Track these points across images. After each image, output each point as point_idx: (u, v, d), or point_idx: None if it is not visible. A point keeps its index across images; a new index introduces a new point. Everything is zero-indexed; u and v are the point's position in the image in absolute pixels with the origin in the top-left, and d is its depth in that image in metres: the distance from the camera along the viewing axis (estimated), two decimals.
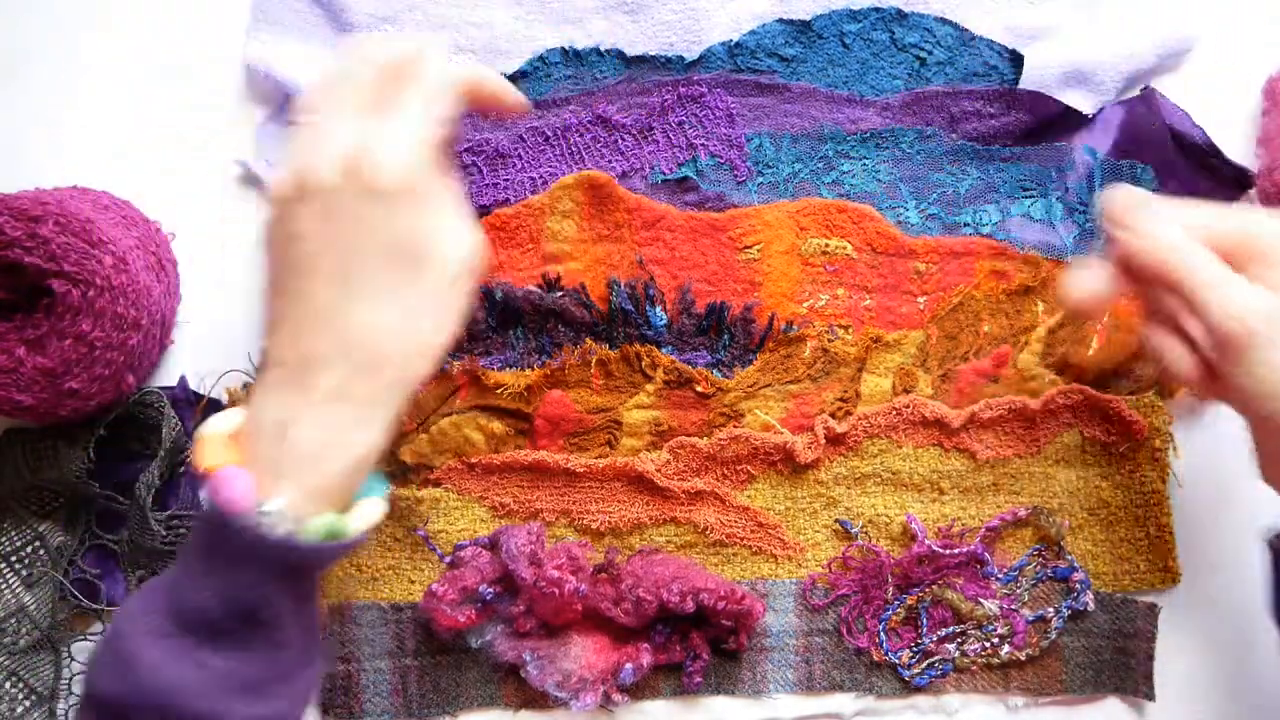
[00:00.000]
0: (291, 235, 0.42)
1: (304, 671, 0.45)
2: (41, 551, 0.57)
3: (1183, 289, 0.43)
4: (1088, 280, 0.46)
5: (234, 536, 0.41)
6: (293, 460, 0.42)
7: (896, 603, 0.56)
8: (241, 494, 0.41)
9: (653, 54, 0.59)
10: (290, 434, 0.42)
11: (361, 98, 0.42)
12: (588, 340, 0.56)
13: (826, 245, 0.57)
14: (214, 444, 0.43)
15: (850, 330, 0.57)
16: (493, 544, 0.55)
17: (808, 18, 0.59)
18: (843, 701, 0.56)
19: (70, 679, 0.57)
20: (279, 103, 0.60)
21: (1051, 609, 0.55)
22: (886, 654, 0.56)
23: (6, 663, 0.56)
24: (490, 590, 0.53)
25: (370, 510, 0.44)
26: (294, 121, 0.44)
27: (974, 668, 0.55)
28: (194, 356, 0.58)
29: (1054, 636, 0.55)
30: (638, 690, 0.55)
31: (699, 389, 0.57)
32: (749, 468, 0.57)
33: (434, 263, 0.42)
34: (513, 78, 0.59)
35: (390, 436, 0.43)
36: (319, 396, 0.42)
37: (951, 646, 0.55)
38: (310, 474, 0.42)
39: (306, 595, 0.44)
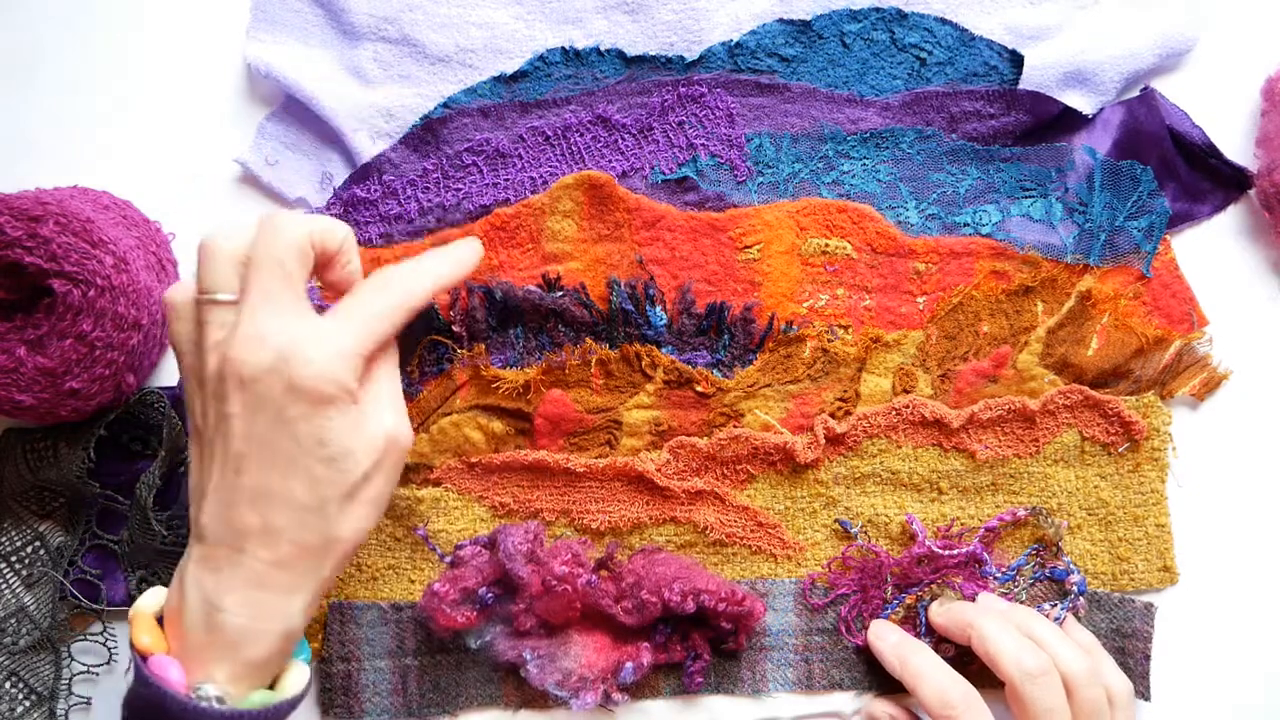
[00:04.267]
0: (221, 414, 0.44)
1: None
2: (41, 551, 0.57)
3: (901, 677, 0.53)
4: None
5: (174, 716, 0.42)
6: (222, 644, 0.44)
7: (895, 602, 0.56)
8: (176, 679, 0.43)
9: (653, 54, 0.59)
10: (217, 619, 0.44)
11: (291, 286, 0.44)
12: (588, 340, 0.56)
13: (826, 245, 0.57)
14: (144, 623, 0.45)
15: (850, 330, 0.57)
16: (491, 543, 0.55)
17: (808, 18, 0.59)
18: (842, 700, 0.56)
19: (70, 679, 0.57)
20: (279, 103, 0.60)
21: (1048, 608, 0.55)
22: None
23: (6, 663, 0.56)
24: (490, 593, 0.53)
25: (297, 678, 0.47)
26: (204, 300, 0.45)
27: (973, 666, 0.55)
28: None
29: None
30: (638, 689, 0.55)
31: (699, 389, 0.57)
32: (749, 467, 0.57)
33: (351, 460, 0.44)
34: (513, 77, 0.59)
35: (314, 611, 0.46)
36: (242, 580, 0.44)
37: (950, 645, 0.55)
38: (238, 655, 0.44)
39: None
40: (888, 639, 0.54)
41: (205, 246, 0.45)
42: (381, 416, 0.45)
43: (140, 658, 0.44)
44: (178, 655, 0.44)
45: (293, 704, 0.46)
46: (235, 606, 0.44)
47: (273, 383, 0.43)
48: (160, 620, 0.46)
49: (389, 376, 0.47)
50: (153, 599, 0.46)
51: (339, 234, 0.46)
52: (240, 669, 0.44)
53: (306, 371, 0.43)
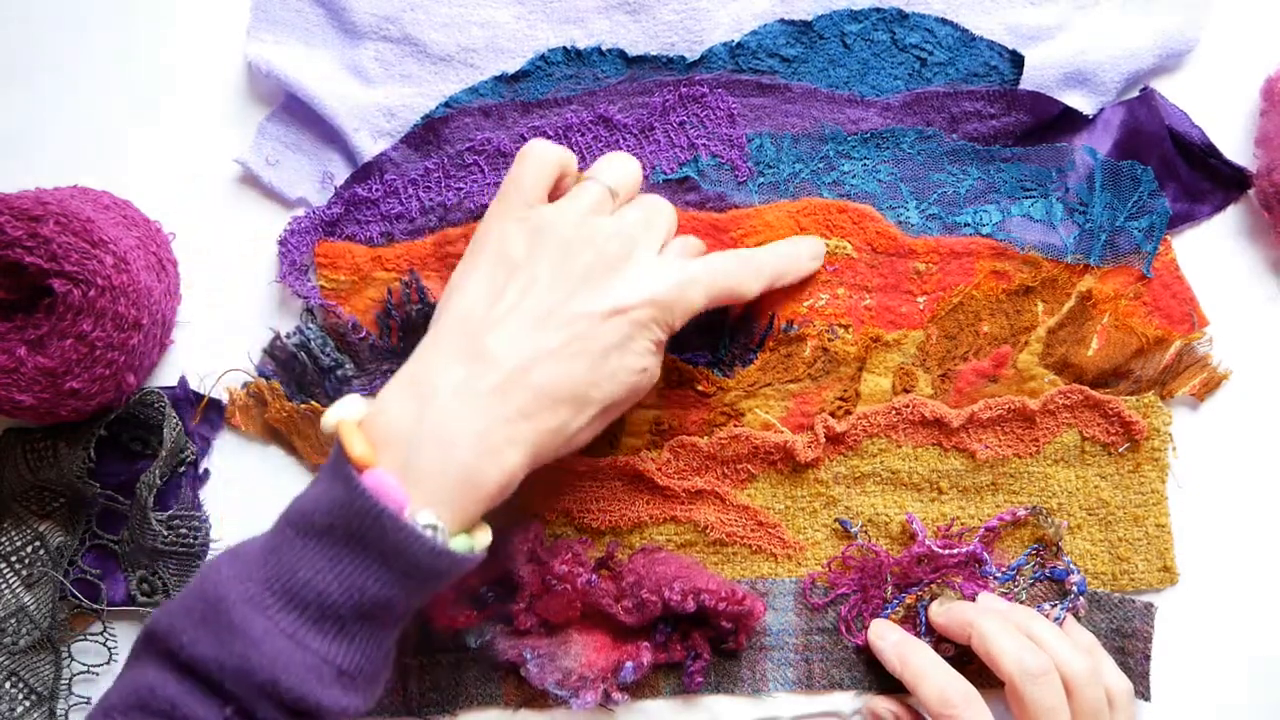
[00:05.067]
0: (568, 272, 0.47)
1: (385, 673, 0.46)
2: (41, 551, 0.57)
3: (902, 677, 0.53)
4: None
5: (388, 536, 0.41)
6: (454, 479, 0.43)
7: (895, 602, 0.56)
8: (400, 500, 0.42)
9: (654, 54, 0.59)
10: (455, 453, 0.43)
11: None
12: None
13: (827, 245, 0.57)
14: (356, 433, 0.44)
15: (850, 330, 0.57)
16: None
17: (809, 18, 0.59)
18: (842, 700, 0.56)
19: (70, 679, 0.57)
20: (279, 103, 0.60)
21: (1048, 607, 0.55)
22: None
23: (6, 663, 0.56)
24: (490, 593, 0.53)
25: (485, 534, 0.47)
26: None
27: (972, 666, 0.55)
28: (194, 356, 0.58)
29: None
30: (638, 689, 0.55)
31: (699, 388, 0.57)
32: (749, 467, 0.57)
33: (642, 384, 0.49)
34: (515, 77, 0.59)
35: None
36: (492, 422, 0.44)
37: (950, 645, 0.55)
38: (465, 496, 0.44)
39: (421, 603, 0.45)
40: (888, 638, 0.54)
41: (615, 156, 0.52)
42: (660, 362, 0.50)
43: (357, 469, 0.42)
44: (399, 474, 0.43)
45: (480, 558, 0.46)
46: (481, 447, 0.44)
47: (634, 283, 0.48)
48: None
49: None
50: (354, 409, 0.45)
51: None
52: (459, 509, 0.44)
53: (668, 299, 0.48)
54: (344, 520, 0.42)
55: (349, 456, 0.43)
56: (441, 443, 0.43)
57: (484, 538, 0.47)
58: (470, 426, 0.44)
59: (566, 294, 0.47)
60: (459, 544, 0.44)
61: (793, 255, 0.55)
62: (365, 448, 0.43)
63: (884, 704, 0.55)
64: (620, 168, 0.52)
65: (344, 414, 0.45)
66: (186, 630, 0.41)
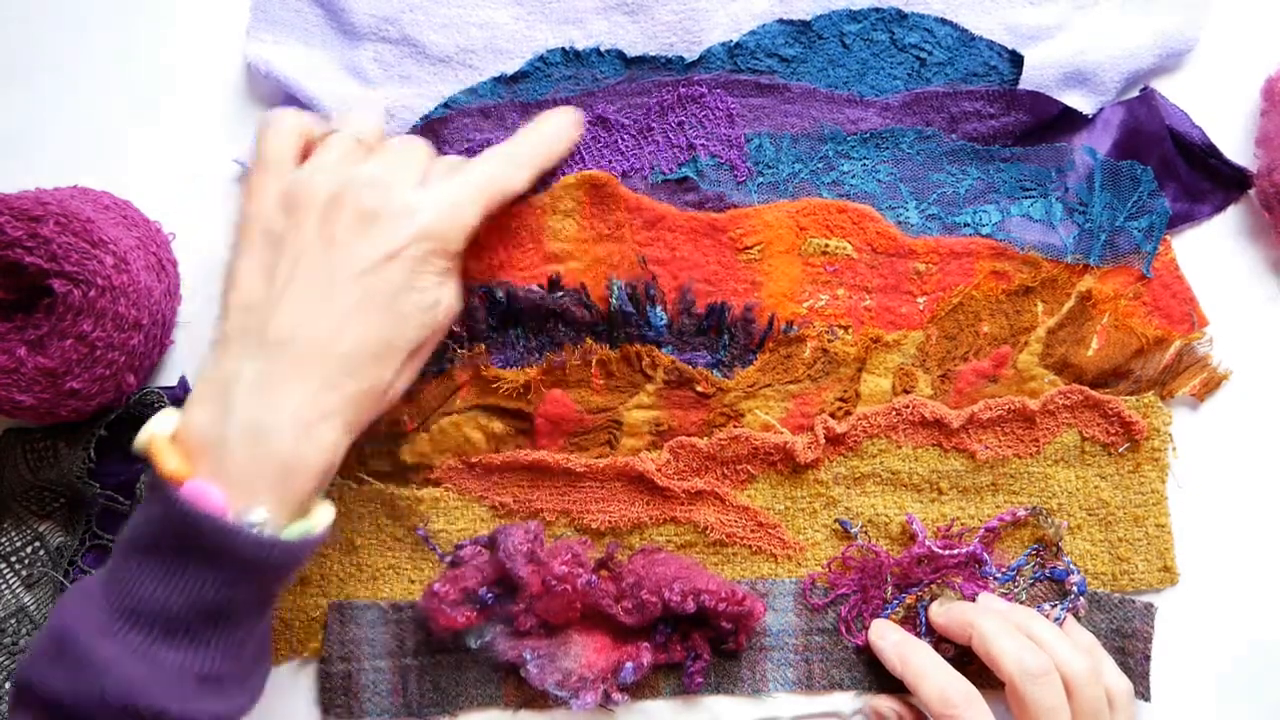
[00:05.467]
0: (329, 235, 0.45)
1: (258, 668, 0.45)
2: (41, 551, 0.57)
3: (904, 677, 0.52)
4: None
5: (212, 540, 0.41)
6: (271, 472, 0.43)
7: (895, 602, 0.56)
8: (218, 504, 0.42)
9: (653, 54, 0.59)
10: (269, 445, 0.43)
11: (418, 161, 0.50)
12: (588, 340, 0.56)
13: (826, 245, 0.57)
14: (168, 448, 0.44)
15: (850, 330, 0.57)
16: (491, 543, 0.55)
17: (808, 18, 0.59)
18: (842, 700, 0.56)
19: None
20: (279, 103, 0.60)
21: (1048, 608, 0.55)
22: None
23: (6, 663, 0.56)
24: (490, 594, 0.53)
25: (325, 513, 0.47)
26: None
27: (972, 666, 0.55)
28: (194, 356, 0.58)
29: None
30: (638, 689, 0.55)
31: (699, 389, 0.57)
32: (749, 467, 0.57)
33: (436, 316, 0.48)
34: (513, 78, 0.59)
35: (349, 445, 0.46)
36: (306, 409, 0.43)
37: (950, 645, 0.55)
38: (287, 485, 0.43)
39: (271, 595, 0.45)
40: (888, 638, 0.54)
41: (371, 99, 0.53)
42: (454, 287, 0.50)
43: (171, 484, 0.42)
44: (216, 479, 0.43)
45: (321, 539, 0.45)
46: (294, 432, 0.43)
47: (399, 223, 0.45)
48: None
49: (460, 256, 0.50)
50: (165, 423, 0.45)
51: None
52: (286, 498, 0.43)
53: (438, 227, 0.47)
54: (169, 534, 0.42)
55: (160, 473, 0.43)
56: (252, 438, 0.43)
57: (324, 515, 0.46)
58: (276, 415, 0.43)
59: (337, 254, 0.45)
60: (293, 531, 0.44)
61: (551, 133, 0.54)
62: (177, 462, 0.43)
63: (886, 703, 0.55)
64: (360, 116, 0.51)
65: (155, 430, 0.45)
66: (44, 673, 0.42)
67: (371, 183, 0.46)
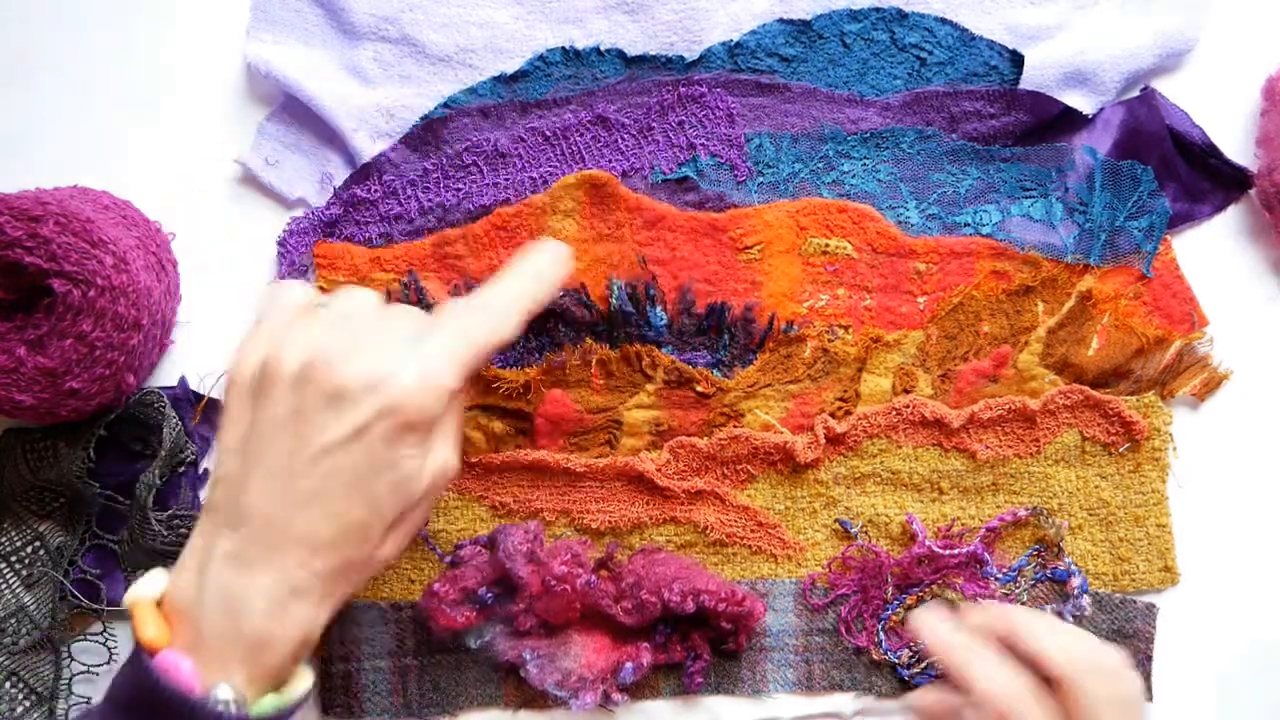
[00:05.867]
0: (296, 410, 0.43)
1: None
2: (41, 551, 0.57)
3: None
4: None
5: (180, 715, 0.41)
6: (243, 646, 0.42)
7: (896, 602, 0.56)
8: (189, 677, 0.41)
9: (653, 54, 0.59)
10: (242, 620, 0.42)
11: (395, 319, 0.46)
12: (588, 340, 0.56)
13: (826, 245, 0.57)
14: (148, 613, 0.43)
15: (850, 330, 0.57)
16: (491, 543, 0.55)
17: (808, 18, 0.59)
18: (842, 701, 0.56)
19: (70, 679, 0.57)
20: (279, 103, 0.60)
21: (1050, 609, 0.55)
22: (886, 653, 0.56)
23: (6, 663, 0.56)
24: (490, 594, 0.53)
25: (304, 681, 0.45)
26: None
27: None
28: (194, 356, 0.58)
29: None
30: (637, 690, 0.55)
31: (699, 389, 0.57)
32: (749, 467, 0.57)
33: (415, 486, 0.44)
34: (513, 77, 0.59)
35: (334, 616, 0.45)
36: (275, 583, 0.43)
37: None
38: (258, 659, 0.43)
39: None
40: (938, 631, 0.51)
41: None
42: (445, 448, 0.46)
43: (146, 652, 0.42)
44: (190, 650, 0.42)
45: (298, 707, 0.45)
46: (264, 609, 0.42)
47: (365, 399, 0.43)
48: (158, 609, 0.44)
49: (458, 407, 0.47)
50: (152, 586, 0.44)
51: None
52: (257, 672, 0.43)
53: (407, 400, 0.43)
54: (143, 700, 0.42)
55: (137, 639, 0.43)
56: (225, 611, 0.43)
57: (300, 685, 0.45)
58: (248, 591, 0.43)
59: (303, 432, 0.43)
60: (264, 705, 0.43)
61: (537, 272, 0.49)
62: (156, 629, 0.43)
63: (931, 695, 0.52)
64: (357, 292, 0.48)
65: (140, 592, 0.44)
66: None
67: (341, 355, 0.43)
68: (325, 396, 0.43)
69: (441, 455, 0.45)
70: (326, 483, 0.43)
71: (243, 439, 0.44)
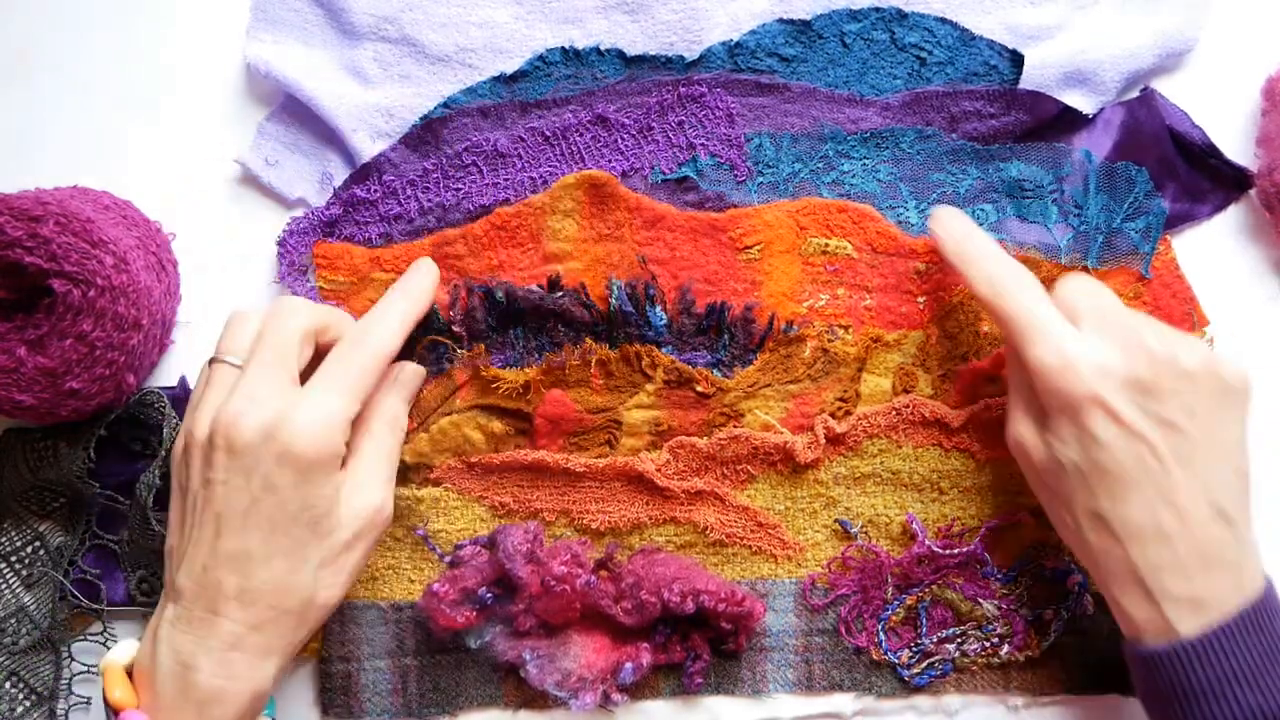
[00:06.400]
0: (206, 477, 0.46)
1: None
2: (41, 551, 0.57)
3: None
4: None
5: None
6: (194, 703, 0.45)
7: (896, 603, 0.56)
8: None
9: (653, 54, 0.59)
10: (190, 678, 0.45)
11: (286, 365, 0.48)
12: (588, 340, 0.56)
13: (826, 245, 0.57)
14: (116, 678, 0.47)
15: (850, 330, 0.57)
16: (491, 543, 0.55)
17: (808, 18, 0.59)
18: (842, 701, 0.56)
19: (70, 679, 0.57)
20: (279, 103, 0.60)
21: (1051, 609, 0.55)
22: (886, 654, 0.56)
23: (6, 663, 0.56)
24: (490, 594, 0.53)
25: None
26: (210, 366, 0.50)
27: (974, 667, 0.55)
28: (194, 356, 0.58)
29: (1053, 638, 0.55)
30: (637, 690, 0.55)
31: (699, 389, 0.57)
32: (749, 467, 0.57)
33: (335, 525, 0.47)
34: (513, 77, 0.59)
35: (286, 672, 0.47)
36: (216, 642, 0.45)
37: (951, 647, 0.55)
38: (209, 714, 0.45)
39: None
40: (954, 225, 0.53)
41: (234, 314, 0.50)
42: (370, 487, 0.49)
43: (112, 712, 0.45)
44: (149, 711, 0.45)
45: None
46: (209, 667, 0.45)
47: (262, 450, 0.45)
48: (131, 673, 0.47)
49: (379, 447, 0.50)
50: (124, 652, 0.48)
51: (339, 328, 0.51)
52: None
53: (297, 441, 0.45)
54: None
55: (106, 700, 0.46)
56: (175, 673, 0.45)
57: None
58: (193, 652, 0.45)
59: (220, 496, 0.46)
60: None
61: (406, 290, 0.54)
62: (123, 691, 0.46)
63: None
64: (237, 328, 0.50)
65: (112, 658, 0.47)
66: None
67: (238, 415, 0.46)
68: (231, 457, 0.45)
69: (368, 494, 0.48)
70: (247, 539, 0.45)
71: (180, 510, 0.48)
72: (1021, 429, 0.50)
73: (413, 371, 0.54)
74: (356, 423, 0.49)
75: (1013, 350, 0.50)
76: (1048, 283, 0.57)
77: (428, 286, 0.54)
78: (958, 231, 0.52)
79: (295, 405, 0.46)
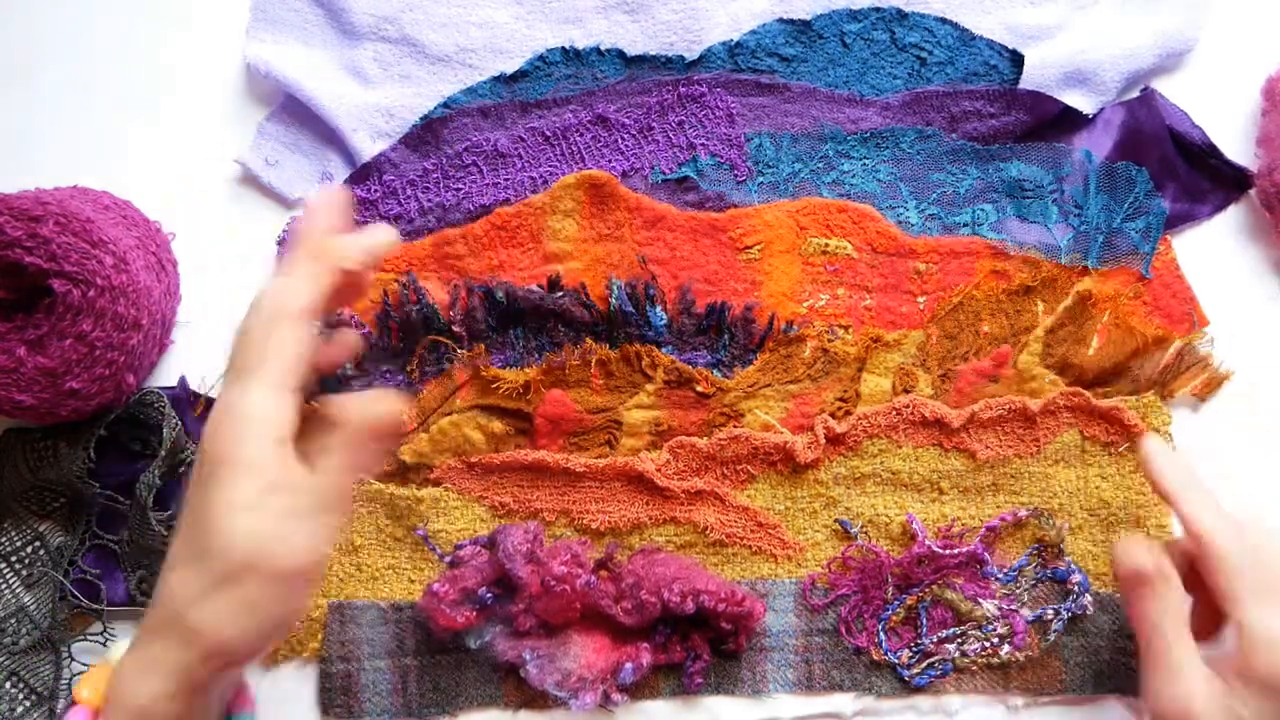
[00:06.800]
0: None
1: None
2: (41, 551, 0.57)
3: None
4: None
5: None
6: (119, 709, 0.43)
7: (896, 603, 0.56)
8: None
9: (653, 54, 0.59)
10: (112, 682, 0.44)
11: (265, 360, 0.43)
12: (588, 340, 0.56)
13: (826, 245, 0.57)
14: (96, 676, 0.48)
15: (850, 330, 0.57)
16: (491, 543, 0.55)
17: (808, 17, 0.59)
18: (842, 701, 0.56)
19: (70, 679, 0.57)
20: (279, 103, 0.60)
21: (1051, 610, 0.55)
22: (886, 654, 0.56)
23: (6, 663, 0.56)
24: (490, 594, 0.53)
25: None
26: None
27: (974, 668, 0.55)
28: (194, 356, 0.58)
29: (1053, 638, 0.55)
30: (637, 690, 0.55)
31: (699, 389, 0.57)
32: (749, 467, 0.57)
33: (265, 569, 0.41)
34: (513, 77, 0.59)
35: (179, 708, 0.43)
36: (129, 652, 0.44)
37: (951, 647, 0.55)
38: None
39: None
40: (1171, 468, 0.51)
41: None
42: (308, 526, 0.42)
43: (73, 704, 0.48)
44: (102, 714, 0.44)
45: None
46: (120, 673, 0.43)
47: (204, 451, 0.41)
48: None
49: (337, 497, 0.43)
50: (121, 652, 0.46)
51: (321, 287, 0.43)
52: None
53: (215, 440, 0.41)
54: None
55: (74, 696, 0.48)
56: (118, 682, 0.44)
57: None
58: (120, 662, 0.44)
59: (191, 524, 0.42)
60: None
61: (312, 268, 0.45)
62: (90, 692, 0.48)
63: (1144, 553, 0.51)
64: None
65: (109, 657, 0.49)
66: None
67: (217, 430, 0.42)
68: (199, 455, 0.42)
69: (303, 532, 0.41)
70: (177, 536, 0.43)
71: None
72: (1198, 684, 0.48)
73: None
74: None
75: (1216, 605, 0.49)
76: (1048, 283, 0.57)
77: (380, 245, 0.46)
78: (1178, 478, 0.51)
79: (233, 402, 0.42)
